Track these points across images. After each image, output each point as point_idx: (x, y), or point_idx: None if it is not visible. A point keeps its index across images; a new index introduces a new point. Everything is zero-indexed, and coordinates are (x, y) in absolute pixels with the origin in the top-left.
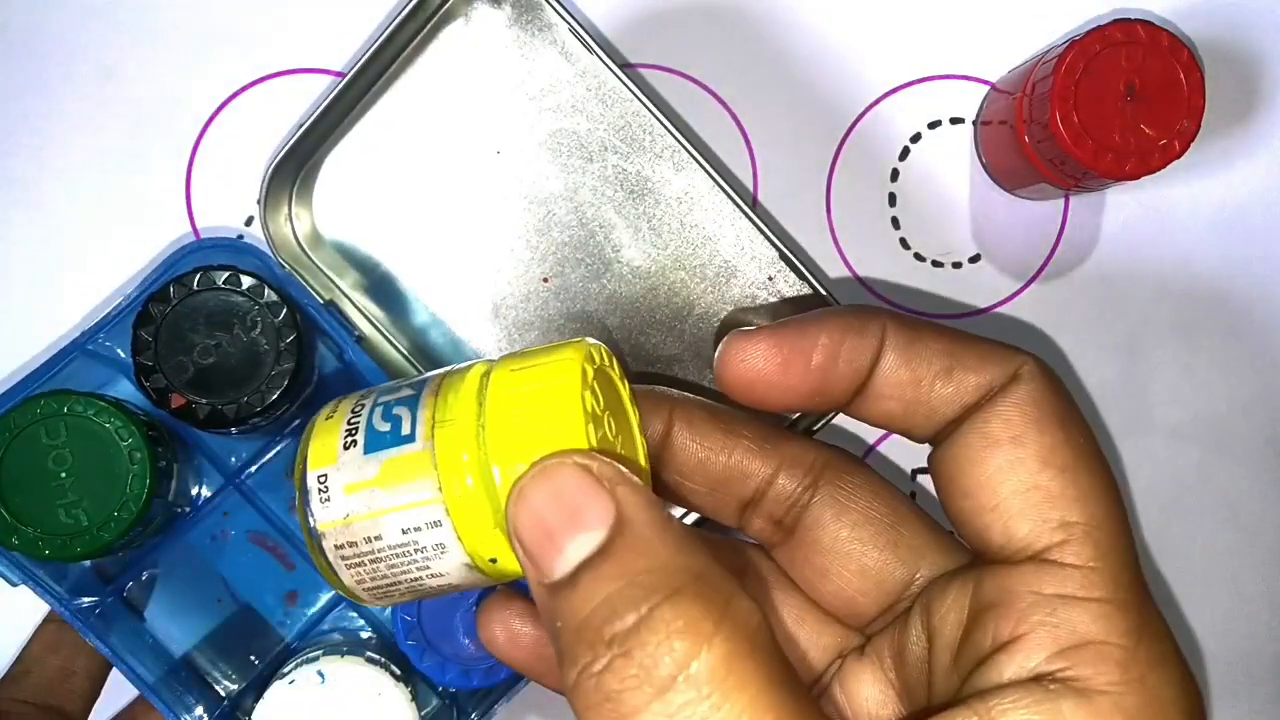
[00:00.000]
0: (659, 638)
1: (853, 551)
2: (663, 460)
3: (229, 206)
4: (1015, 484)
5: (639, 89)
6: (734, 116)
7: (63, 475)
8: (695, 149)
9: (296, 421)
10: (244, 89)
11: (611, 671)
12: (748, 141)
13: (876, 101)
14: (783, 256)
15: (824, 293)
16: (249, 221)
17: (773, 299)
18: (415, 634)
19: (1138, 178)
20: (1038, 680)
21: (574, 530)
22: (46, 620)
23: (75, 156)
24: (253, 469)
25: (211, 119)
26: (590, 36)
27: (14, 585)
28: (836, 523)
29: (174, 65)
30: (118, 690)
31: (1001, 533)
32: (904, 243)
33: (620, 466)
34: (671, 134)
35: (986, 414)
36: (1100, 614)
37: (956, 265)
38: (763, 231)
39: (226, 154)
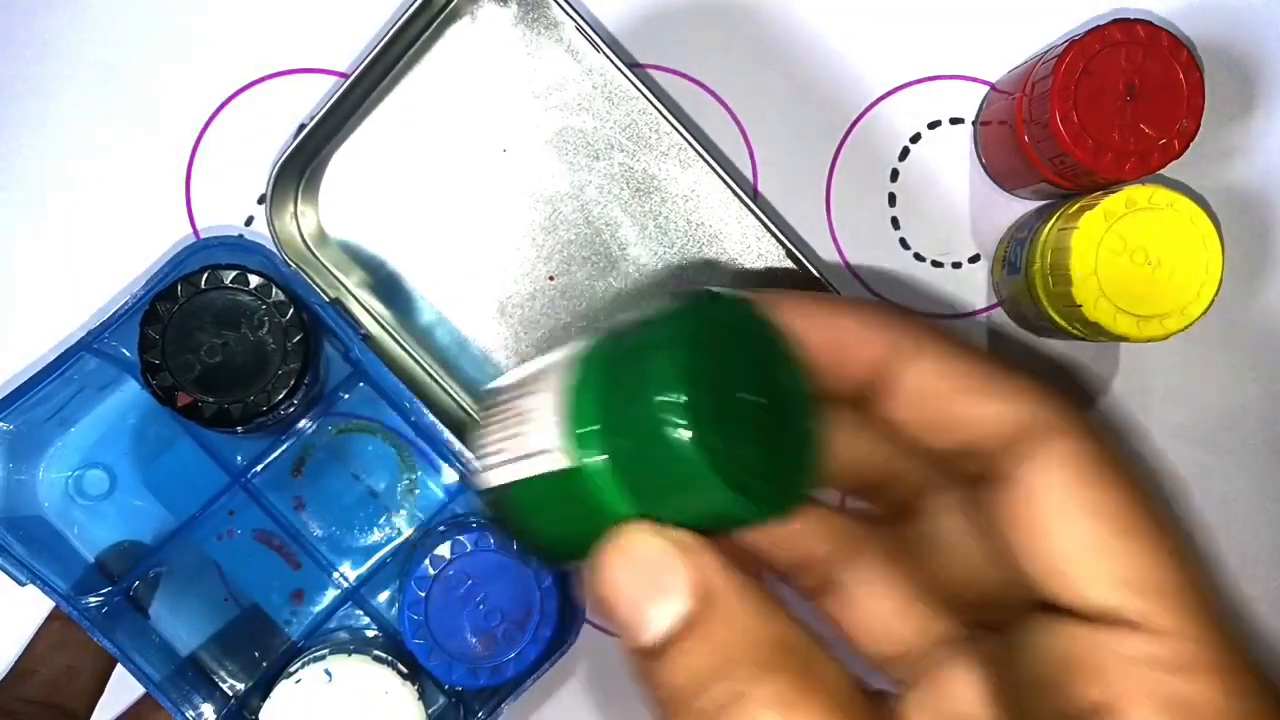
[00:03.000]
0: (749, 714)
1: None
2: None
3: (229, 206)
4: (1090, 548)
5: (645, 87)
6: (734, 116)
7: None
8: (701, 146)
9: (302, 421)
10: (244, 89)
11: None
12: (748, 141)
13: (876, 101)
14: (789, 254)
15: (830, 288)
16: (249, 221)
17: None
18: (423, 633)
19: (1137, 178)
20: None
21: (656, 600)
22: (51, 618)
23: (75, 156)
24: (258, 468)
25: (211, 119)
26: (597, 34)
27: (21, 585)
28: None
29: (174, 65)
30: (120, 691)
31: (1075, 597)
32: (904, 243)
33: (693, 535)
34: (678, 131)
35: (1044, 472)
36: (1197, 677)
37: (956, 265)
38: (769, 228)
39: (226, 154)
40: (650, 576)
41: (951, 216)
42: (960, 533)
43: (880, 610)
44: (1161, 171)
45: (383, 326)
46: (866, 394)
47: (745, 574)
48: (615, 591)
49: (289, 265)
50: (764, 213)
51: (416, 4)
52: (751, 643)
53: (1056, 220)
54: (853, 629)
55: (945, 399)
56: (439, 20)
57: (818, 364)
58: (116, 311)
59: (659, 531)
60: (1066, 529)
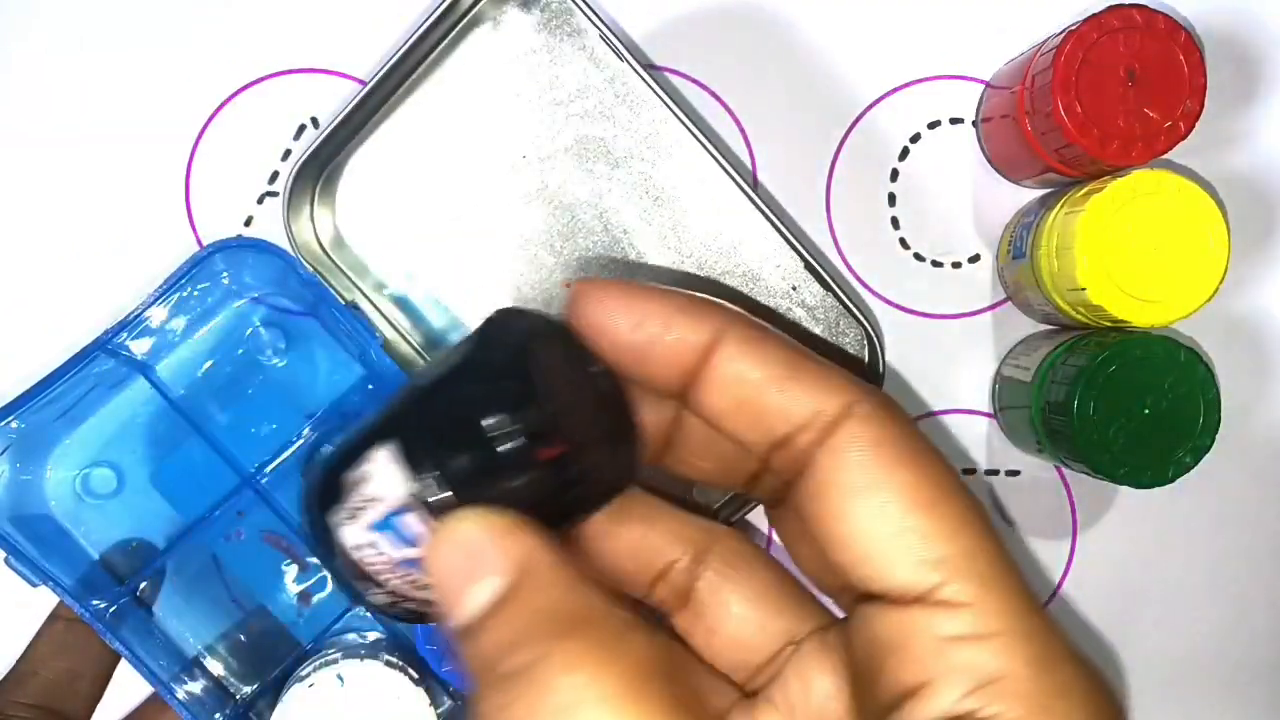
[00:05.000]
0: (551, 675)
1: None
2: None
3: (229, 207)
4: (883, 530)
5: (668, 96)
6: (733, 117)
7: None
8: (723, 157)
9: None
10: (244, 89)
11: (508, 707)
12: (747, 141)
13: (876, 101)
14: (807, 266)
15: (848, 303)
16: (248, 221)
17: (796, 308)
18: (435, 638)
19: (1145, 162)
20: None
21: (473, 578)
22: (52, 620)
23: (74, 157)
24: (269, 469)
25: (211, 118)
26: (620, 42)
27: (34, 586)
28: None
29: (174, 65)
30: (121, 695)
31: (880, 580)
32: (904, 243)
33: (516, 518)
34: (699, 141)
35: (835, 459)
36: (999, 648)
37: (956, 265)
38: (788, 241)
39: (226, 154)
40: (471, 557)
41: (951, 216)
42: (795, 532)
43: (729, 616)
44: (1168, 157)
45: (398, 331)
46: (688, 386)
47: (568, 553)
48: (438, 573)
49: (307, 268)
50: (785, 225)
51: (440, 9)
52: (557, 613)
53: (1063, 205)
54: (708, 642)
55: (754, 388)
56: (461, 25)
57: (630, 360)
58: (131, 312)
59: (483, 515)
60: (863, 512)
